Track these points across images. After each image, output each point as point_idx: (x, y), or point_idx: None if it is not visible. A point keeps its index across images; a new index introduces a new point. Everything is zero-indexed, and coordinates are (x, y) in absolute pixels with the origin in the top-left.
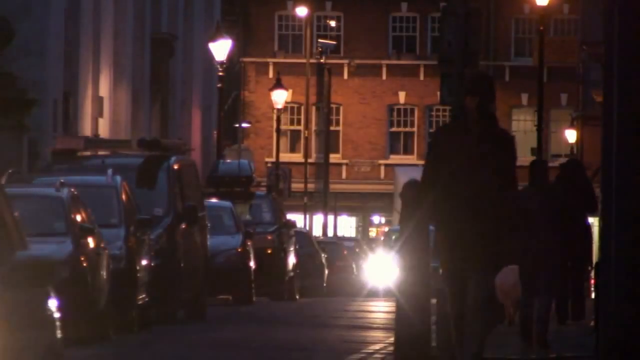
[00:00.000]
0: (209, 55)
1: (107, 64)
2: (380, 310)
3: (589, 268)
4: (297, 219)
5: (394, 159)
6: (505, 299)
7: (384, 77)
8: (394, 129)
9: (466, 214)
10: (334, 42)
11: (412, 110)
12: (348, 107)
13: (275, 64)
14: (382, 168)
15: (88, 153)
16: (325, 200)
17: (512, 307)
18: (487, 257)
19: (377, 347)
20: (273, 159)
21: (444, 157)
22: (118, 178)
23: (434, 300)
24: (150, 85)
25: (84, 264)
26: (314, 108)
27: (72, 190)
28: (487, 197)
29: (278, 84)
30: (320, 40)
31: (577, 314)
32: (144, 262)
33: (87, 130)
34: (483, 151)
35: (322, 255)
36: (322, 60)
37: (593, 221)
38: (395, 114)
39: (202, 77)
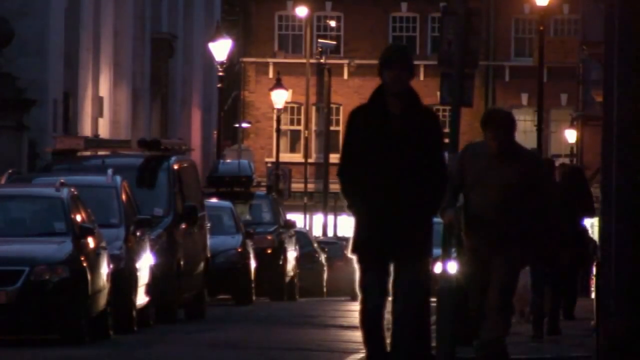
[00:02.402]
0: (209, 55)
1: (107, 64)
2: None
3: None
4: (297, 219)
5: None
6: (519, 299)
7: None
8: None
9: (388, 199)
10: (334, 42)
11: None
12: (348, 107)
13: (275, 64)
14: None
15: (88, 153)
16: (325, 200)
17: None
18: (415, 245)
19: None
20: (273, 159)
21: (362, 142)
22: (118, 178)
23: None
24: (150, 85)
25: (84, 264)
26: (314, 108)
27: (72, 190)
28: (411, 180)
29: (278, 84)
30: (320, 40)
31: (569, 314)
32: (144, 262)
33: (87, 130)
34: (404, 132)
35: (322, 255)
36: (322, 60)
37: (594, 221)
38: None
39: (202, 77)
